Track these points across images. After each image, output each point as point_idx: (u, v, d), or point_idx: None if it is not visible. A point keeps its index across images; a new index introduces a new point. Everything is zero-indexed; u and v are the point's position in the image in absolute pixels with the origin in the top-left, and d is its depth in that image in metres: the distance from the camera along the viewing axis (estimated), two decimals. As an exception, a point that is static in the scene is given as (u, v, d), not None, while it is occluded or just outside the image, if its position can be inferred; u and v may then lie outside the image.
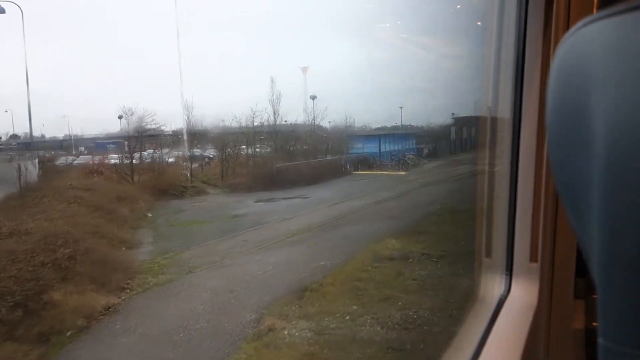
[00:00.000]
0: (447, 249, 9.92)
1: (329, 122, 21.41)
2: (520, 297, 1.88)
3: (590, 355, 1.76)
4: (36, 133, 17.03)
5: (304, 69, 20.36)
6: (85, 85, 17.28)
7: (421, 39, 19.86)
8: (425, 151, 23.00)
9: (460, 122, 22.29)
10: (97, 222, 10.57)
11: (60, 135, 18.42)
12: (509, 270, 1.93)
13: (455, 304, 7.51)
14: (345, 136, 21.73)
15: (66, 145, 18.20)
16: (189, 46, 17.89)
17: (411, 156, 21.58)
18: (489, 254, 2.07)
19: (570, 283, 1.86)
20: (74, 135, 18.22)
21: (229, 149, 18.24)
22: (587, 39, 0.47)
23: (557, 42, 1.63)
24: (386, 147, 22.10)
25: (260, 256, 10.05)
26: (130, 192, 13.76)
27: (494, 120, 2.10)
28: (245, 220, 12.82)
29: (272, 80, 18.74)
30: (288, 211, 13.67)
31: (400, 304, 7.81)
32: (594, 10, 1.69)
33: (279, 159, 18.67)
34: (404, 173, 20.24)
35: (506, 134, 1.92)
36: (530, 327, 1.71)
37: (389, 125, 23.18)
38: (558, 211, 1.81)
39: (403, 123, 22.78)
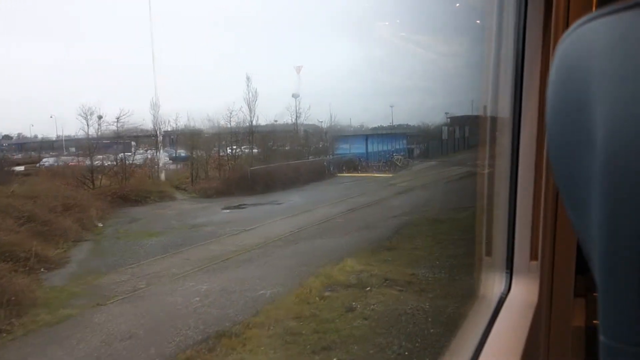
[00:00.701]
0: (417, 272, 8.88)
1: (320, 121, 20.52)
2: (521, 295, 1.89)
3: (590, 353, 1.79)
4: (28, 134, 16.94)
5: (298, 68, 19.37)
6: (67, 85, 16.55)
7: (418, 37, 19.29)
8: (417, 151, 22.25)
9: (455, 122, 21.92)
10: (17, 238, 9.27)
11: (54, 135, 17.62)
12: (509, 269, 1.94)
13: (418, 357, 6.36)
14: (329, 136, 20.74)
15: (57, 146, 17.36)
16: (169, 43, 17.18)
17: (400, 157, 20.79)
18: (489, 252, 2.08)
19: (570, 281, 1.87)
20: (66, 136, 17.30)
21: (201, 151, 17.40)
22: (586, 37, 0.47)
23: (556, 40, 1.64)
24: (375, 147, 21.20)
25: (193, 281, 8.73)
26: (84, 198, 12.83)
27: (491, 119, 2.11)
28: (202, 231, 11.87)
29: (248, 78, 17.70)
30: (253, 220, 12.75)
31: (336, 360, 6.45)
32: (593, 8, 1.72)
33: (256, 161, 17.86)
34: (390, 175, 19.42)
35: (506, 132, 1.93)
36: (531, 325, 1.72)
37: (385, 124, 22.36)
38: (558, 209, 1.83)
39: (400, 122, 22.04)
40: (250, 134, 18.20)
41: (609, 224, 0.44)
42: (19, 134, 17.31)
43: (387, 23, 18.10)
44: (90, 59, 15.71)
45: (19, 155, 16.59)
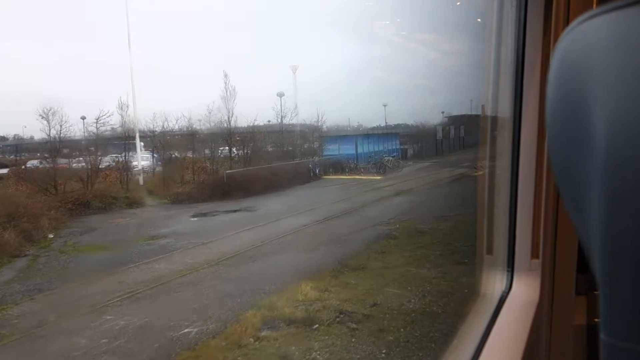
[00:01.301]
0: (381, 301, 7.58)
1: (308, 121, 19.60)
2: (522, 294, 1.91)
3: (591, 351, 1.79)
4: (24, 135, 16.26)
5: (294, 68, 18.96)
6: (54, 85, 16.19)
7: (415, 35, 19.32)
8: (411, 152, 21.59)
9: (451, 121, 21.40)
10: None
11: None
12: (511, 267, 1.95)
13: None
14: (315, 137, 19.93)
15: (52, 147, 16.52)
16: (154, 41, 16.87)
17: (390, 158, 20.04)
18: (490, 250, 2.08)
19: (571, 279, 1.88)
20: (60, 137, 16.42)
21: (175, 153, 16.59)
22: (587, 34, 0.47)
23: (557, 37, 1.65)
24: (366, 148, 20.35)
25: (113, 314, 7.33)
26: (37, 207, 12.03)
27: (491, 117, 2.12)
28: (156, 244, 10.93)
29: (226, 75, 16.82)
30: (218, 230, 11.92)
31: None
32: (594, 5, 1.73)
33: (236, 164, 17.07)
34: (378, 178, 18.41)
35: (506, 130, 1.94)
36: (532, 323, 1.72)
37: (383, 124, 21.67)
38: (559, 207, 1.84)
39: (394, 122, 21.41)
40: (228, 134, 17.28)
41: (609, 222, 0.44)
42: (15, 135, 16.89)
43: (383, 21, 17.96)
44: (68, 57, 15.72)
45: (12, 157, 16.17)
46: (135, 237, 11.74)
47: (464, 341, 1.82)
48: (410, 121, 22.04)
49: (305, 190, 16.74)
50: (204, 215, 13.65)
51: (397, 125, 21.57)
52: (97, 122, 15.06)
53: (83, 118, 15.26)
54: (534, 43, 1.83)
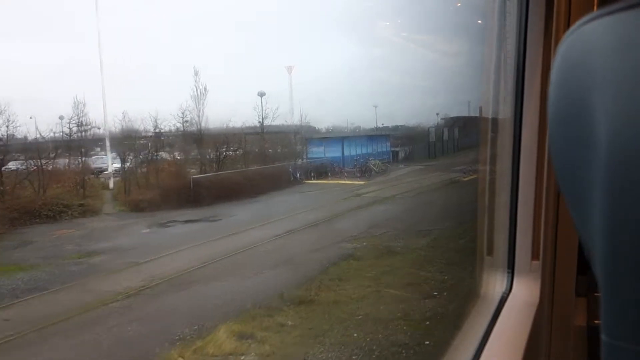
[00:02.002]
0: (316, 358, 6.16)
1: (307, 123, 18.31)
2: (522, 295, 1.91)
3: (591, 353, 1.81)
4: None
5: (289, 68, 17.83)
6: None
7: (413, 35, 18.74)
8: (402, 154, 20.41)
9: (446, 123, 20.64)
10: None
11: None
12: (511, 268, 1.96)
13: None
14: (298, 138, 18.66)
15: (41, 147, 15.04)
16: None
17: (377, 162, 18.74)
18: (490, 252, 2.08)
19: (571, 281, 1.90)
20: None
21: (138, 156, 15.25)
22: (588, 37, 0.48)
23: (558, 40, 1.69)
24: (353, 150, 19.19)
25: None
26: None
27: (492, 119, 2.14)
28: (88, 264, 9.54)
29: (196, 73, 15.43)
30: (166, 246, 10.66)
31: None
32: (595, 7, 1.79)
33: (209, 168, 15.75)
34: (361, 183, 17.23)
35: (507, 131, 1.96)
36: (532, 325, 1.73)
37: (380, 125, 20.30)
38: (559, 209, 1.86)
39: (389, 124, 20.32)
40: (199, 136, 16.10)
41: (610, 223, 0.44)
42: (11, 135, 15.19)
43: (378, 20, 17.64)
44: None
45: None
46: (69, 253, 10.24)
47: (464, 342, 1.81)
48: (402, 122, 21.24)
49: (280, 197, 15.52)
50: (160, 225, 12.43)
51: (386, 127, 20.79)
52: (70, 122, 14.15)
53: (61, 118, 14.32)
54: (535, 45, 1.86)
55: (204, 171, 15.75)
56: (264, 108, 17.42)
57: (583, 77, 0.47)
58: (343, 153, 18.97)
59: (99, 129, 15.12)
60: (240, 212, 13.51)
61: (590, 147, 0.46)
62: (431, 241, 10.44)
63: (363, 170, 18.35)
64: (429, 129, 20.56)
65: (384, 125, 20.75)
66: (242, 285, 8.45)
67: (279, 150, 18.60)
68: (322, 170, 17.91)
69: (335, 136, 19.75)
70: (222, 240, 11.23)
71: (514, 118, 1.92)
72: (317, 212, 13.29)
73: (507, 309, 1.84)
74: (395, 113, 20.72)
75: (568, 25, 1.74)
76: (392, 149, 20.48)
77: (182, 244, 10.87)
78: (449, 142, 22.09)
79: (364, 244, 10.47)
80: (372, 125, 20.67)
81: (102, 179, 14.87)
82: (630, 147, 0.41)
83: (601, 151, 0.44)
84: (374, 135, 20.36)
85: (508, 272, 1.95)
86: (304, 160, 18.46)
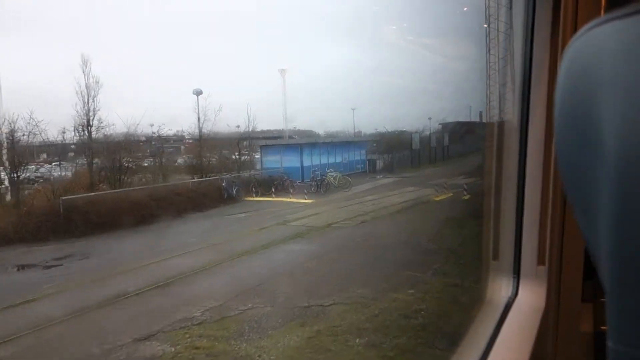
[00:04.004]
0: None
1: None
2: (528, 300, 1.91)
3: (598, 359, 1.78)
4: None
5: (282, 71, 16.74)
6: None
7: (420, 40, 18.17)
8: (380, 164, 18.02)
9: (435, 128, 18.77)
10: None
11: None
12: (517, 273, 1.95)
13: None
14: (238, 144, 16.12)
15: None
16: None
17: (337, 174, 16.29)
18: (496, 256, 2.08)
19: (578, 286, 1.89)
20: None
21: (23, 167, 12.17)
22: (595, 41, 0.48)
23: (564, 44, 1.68)
24: (316, 159, 16.66)
25: None
26: None
27: (493, 124, 2.13)
28: None
29: (84, 62, 12.80)
30: None
31: None
32: (602, 12, 1.77)
33: (107, 185, 12.79)
34: (309, 202, 14.26)
35: (512, 135, 1.95)
36: (538, 330, 1.73)
37: (368, 131, 18.35)
38: (566, 214, 1.85)
39: (392, 129, 18.08)
40: (88, 142, 12.91)
41: (617, 228, 0.44)
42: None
43: (377, 21, 17.29)
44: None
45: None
46: None
47: (470, 347, 1.82)
48: (384, 128, 18.65)
49: (190, 224, 12.21)
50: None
51: (366, 133, 18.64)
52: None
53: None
54: (541, 49, 1.85)
55: (96, 188, 12.88)
56: (201, 109, 14.97)
57: (590, 81, 0.47)
58: (302, 163, 16.49)
59: None
60: (119, 247, 10.39)
61: (597, 151, 0.46)
62: (329, 324, 6.74)
63: (319, 184, 15.81)
64: (412, 135, 18.55)
65: (360, 131, 18.71)
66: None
67: (212, 161, 15.64)
68: (269, 184, 15.35)
69: (293, 143, 17.21)
70: (34, 303, 7.94)
71: (520, 122, 1.92)
72: (196, 256, 9.88)
73: (513, 314, 1.84)
74: (377, 117, 18.80)
75: (575, 29, 1.73)
76: (370, 157, 18.16)
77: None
78: (437, 150, 20.17)
79: (215, 331, 6.69)
80: (358, 130, 18.86)
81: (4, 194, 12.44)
82: (637, 152, 0.41)
83: (608, 156, 0.44)
84: (349, 142, 18.18)
85: (514, 277, 1.95)
86: (252, 172, 15.89)
